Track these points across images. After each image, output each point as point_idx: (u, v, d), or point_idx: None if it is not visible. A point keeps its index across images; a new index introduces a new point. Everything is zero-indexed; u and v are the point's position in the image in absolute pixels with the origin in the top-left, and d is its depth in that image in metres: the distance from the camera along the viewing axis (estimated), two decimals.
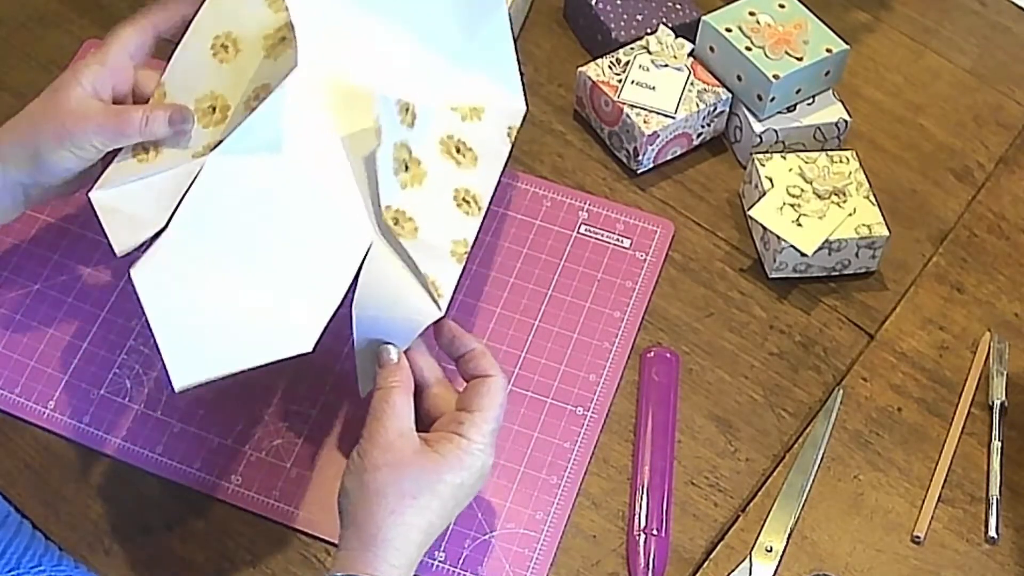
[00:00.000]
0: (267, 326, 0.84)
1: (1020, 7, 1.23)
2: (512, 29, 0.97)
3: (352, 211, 0.87)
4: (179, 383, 0.80)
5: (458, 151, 0.92)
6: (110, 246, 0.86)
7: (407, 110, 0.88)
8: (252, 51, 0.90)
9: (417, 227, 0.87)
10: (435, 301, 0.85)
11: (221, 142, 0.86)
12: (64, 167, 0.87)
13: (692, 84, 1.07)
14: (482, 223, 0.91)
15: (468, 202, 0.90)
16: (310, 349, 0.84)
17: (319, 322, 0.84)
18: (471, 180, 0.92)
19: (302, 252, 0.86)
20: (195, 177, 0.85)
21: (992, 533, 0.91)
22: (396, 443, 0.79)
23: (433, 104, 0.92)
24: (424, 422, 0.84)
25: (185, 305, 0.83)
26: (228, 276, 0.85)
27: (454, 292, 0.87)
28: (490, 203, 0.92)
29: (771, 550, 0.90)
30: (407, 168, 0.88)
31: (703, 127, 1.08)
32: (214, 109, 0.90)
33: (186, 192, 0.85)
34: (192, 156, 0.89)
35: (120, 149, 0.89)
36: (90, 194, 0.88)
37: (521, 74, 0.98)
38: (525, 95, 0.98)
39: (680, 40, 1.09)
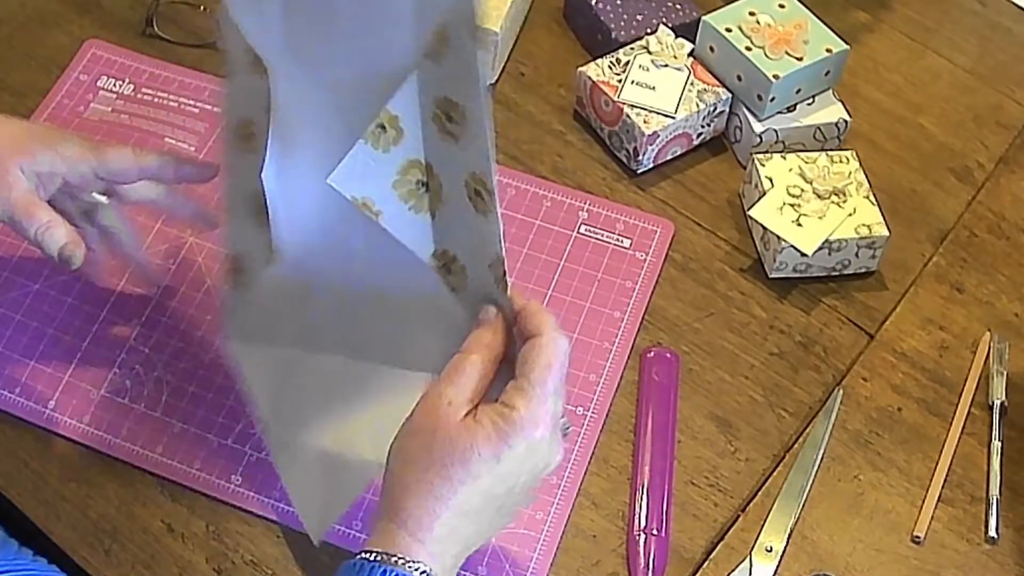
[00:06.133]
0: (360, 451, 0.86)
1: (1020, 7, 1.23)
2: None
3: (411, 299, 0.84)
4: (317, 539, 0.87)
5: (450, 119, 0.76)
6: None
7: (388, 125, 0.78)
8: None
9: (464, 266, 0.80)
10: None
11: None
12: None
13: (692, 84, 1.07)
14: (499, 206, 0.78)
15: (479, 194, 0.79)
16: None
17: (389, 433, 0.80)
18: (469, 154, 0.78)
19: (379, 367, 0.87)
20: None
21: (992, 533, 0.91)
22: (441, 409, 0.72)
23: (412, 76, 0.77)
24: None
25: (304, 451, 0.87)
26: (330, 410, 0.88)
27: None
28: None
29: (771, 550, 0.90)
30: (427, 186, 0.81)
31: (703, 127, 1.08)
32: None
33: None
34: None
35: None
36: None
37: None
38: None
39: (680, 40, 1.09)
